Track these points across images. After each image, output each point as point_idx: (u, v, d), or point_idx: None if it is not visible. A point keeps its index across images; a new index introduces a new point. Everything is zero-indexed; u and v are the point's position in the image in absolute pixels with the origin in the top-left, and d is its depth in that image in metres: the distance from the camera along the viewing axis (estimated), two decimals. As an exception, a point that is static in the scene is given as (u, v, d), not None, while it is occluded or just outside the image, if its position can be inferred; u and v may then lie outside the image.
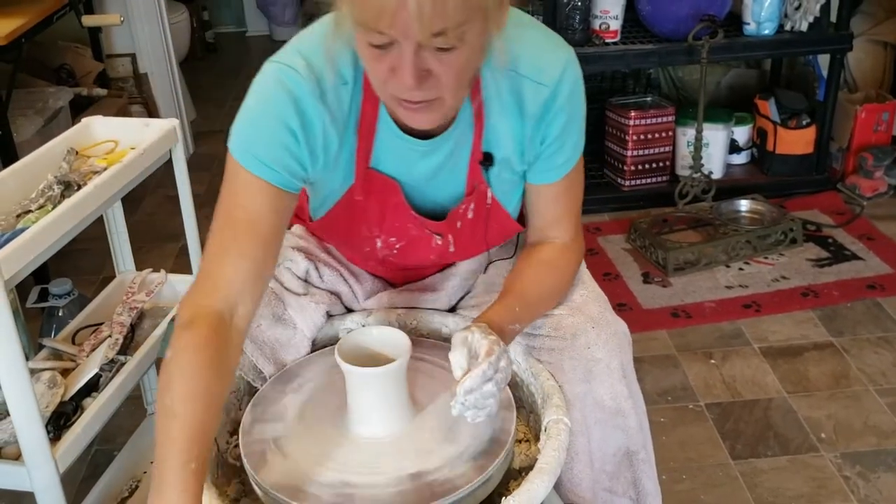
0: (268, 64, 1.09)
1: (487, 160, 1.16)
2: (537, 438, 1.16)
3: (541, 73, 1.11)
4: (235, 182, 1.09)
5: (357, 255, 1.33)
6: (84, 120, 1.68)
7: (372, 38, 0.94)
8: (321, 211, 1.23)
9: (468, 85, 1.06)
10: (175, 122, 1.63)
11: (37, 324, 2.04)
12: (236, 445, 1.15)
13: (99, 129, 1.68)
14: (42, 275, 2.38)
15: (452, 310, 1.37)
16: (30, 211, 1.42)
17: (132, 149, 1.58)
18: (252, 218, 1.07)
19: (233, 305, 1.07)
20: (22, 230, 1.29)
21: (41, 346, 1.63)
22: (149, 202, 3.26)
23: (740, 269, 2.62)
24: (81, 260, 2.71)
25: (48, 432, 1.34)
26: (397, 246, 1.25)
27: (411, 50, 0.93)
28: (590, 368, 1.18)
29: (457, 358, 1.05)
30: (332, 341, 1.29)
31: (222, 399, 1.05)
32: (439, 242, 1.24)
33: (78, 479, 1.89)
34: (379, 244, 1.24)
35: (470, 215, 1.21)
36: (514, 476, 1.14)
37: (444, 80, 0.97)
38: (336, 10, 1.00)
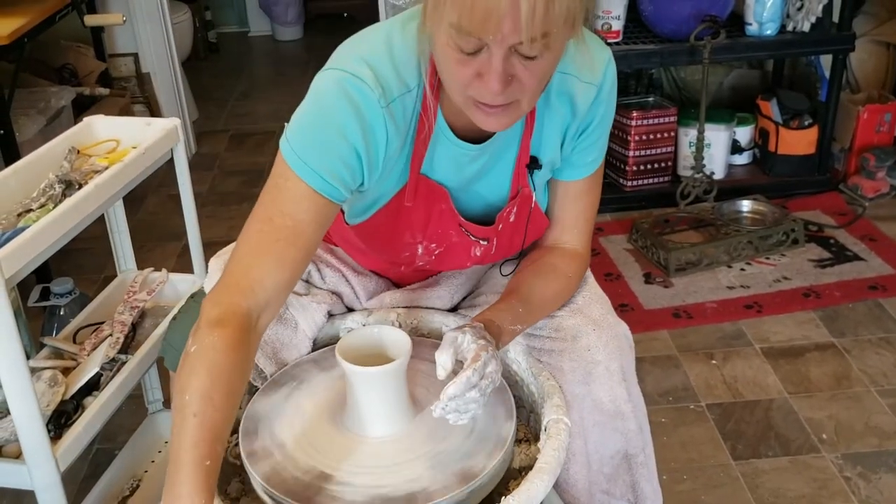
0: (330, 72, 1.07)
1: (534, 164, 1.17)
2: (537, 438, 1.16)
3: (589, 73, 1.13)
4: (284, 187, 1.06)
5: (394, 260, 1.30)
6: (86, 119, 1.68)
7: (464, 42, 0.94)
8: (364, 216, 1.20)
9: (543, 90, 1.06)
10: (176, 121, 1.63)
11: (38, 322, 2.05)
12: (237, 444, 1.15)
13: (100, 128, 1.68)
14: (44, 273, 2.38)
15: (454, 309, 1.37)
16: (31, 210, 1.42)
17: (134, 148, 1.58)
18: (296, 227, 1.06)
19: (261, 310, 1.06)
20: (23, 229, 1.29)
21: (42, 345, 1.63)
22: (151, 201, 3.27)
23: (742, 269, 2.61)
24: (83, 259, 2.71)
25: (49, 431, 1.34)
26: (437, 252, 1.24)
27: (501, 55, 0.94)
28: (589, 371, 1.18)
29: (442, 358, 1.05)
30: (333, 341, 1.29)
31: (239, 400, 1.05)
32: (480, 251, 1.24)
33: (79, 478, 1.90)
34: (420, 250, 1.24)
35: (512, 218, 1.21)
36: (513, 475, 1.14)
37: (527, 85, 0.98)
38: (421, 17, 0.99)
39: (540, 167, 1.18)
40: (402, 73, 1.07)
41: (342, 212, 1.24)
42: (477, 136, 1.12)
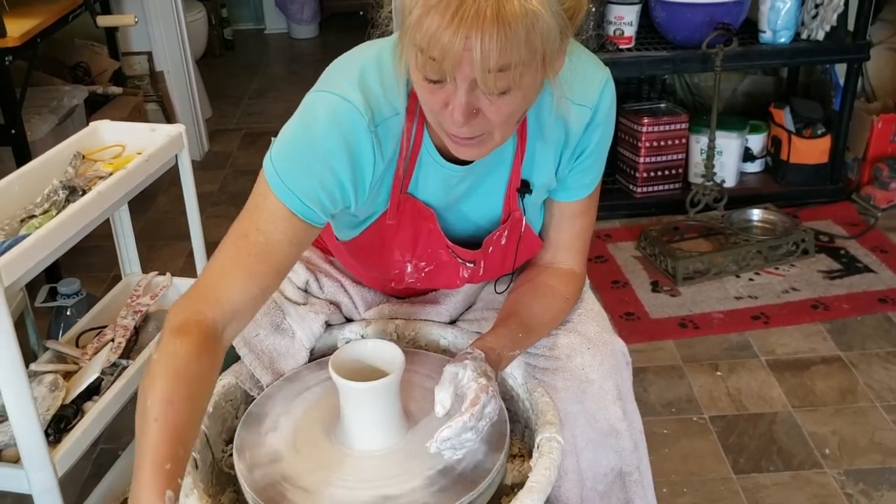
0: (321, 94, 1.07)
1: (525, 188, 1.17)
2: (531, 454, 1.16)
3: (584, 96, 1.12)
4: (263, 205, 1.07)
5: (383, 277, 1.30)
6: (92, 124, 1.69)
7: (429, 71, 0.94)
8: (353, 232, 1.20)
9: (517, 124, 1.05)
10: (181, 127, 1.64)
11: (46, 322, 2.06)
12: (231, 454, 1.16)
13: (106, 133, 1.69)
14: (53, 272, 2.40)
15: (452, 322, 1.36)
16: (34, 216, 1.43)
17: (139, 153, 1.59)
18: (270, 246, 1.06)
19: (228, 321, 1.06)
20: (24, 237, 1.30)
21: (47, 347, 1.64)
22: (162, 200, 3.28)
23: (750, 279, 2.60)
24: (93, 257, 2.72)
25: (48, 435, 1.35)
26: (426, 270, 1.24)
27: (465, 89, 0.94)
28: (583, 389, 1.18)
29: (441, 396, 1.05)
30: (331, 351, 1.29)
31: (203, 407, 1.05)
32: (468, 273, 1.24)
33: (82, 477, 1.91)
34: (409, 268, 1.24)
35: (503, 241, 1.21)
36: (505, 492, 1.14)
37: (494, 121, 0.98)
38: (399, 41, 0.98)
39: (531, 191, 1.17)
40: (391, 95, 1.07)
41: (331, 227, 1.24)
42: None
